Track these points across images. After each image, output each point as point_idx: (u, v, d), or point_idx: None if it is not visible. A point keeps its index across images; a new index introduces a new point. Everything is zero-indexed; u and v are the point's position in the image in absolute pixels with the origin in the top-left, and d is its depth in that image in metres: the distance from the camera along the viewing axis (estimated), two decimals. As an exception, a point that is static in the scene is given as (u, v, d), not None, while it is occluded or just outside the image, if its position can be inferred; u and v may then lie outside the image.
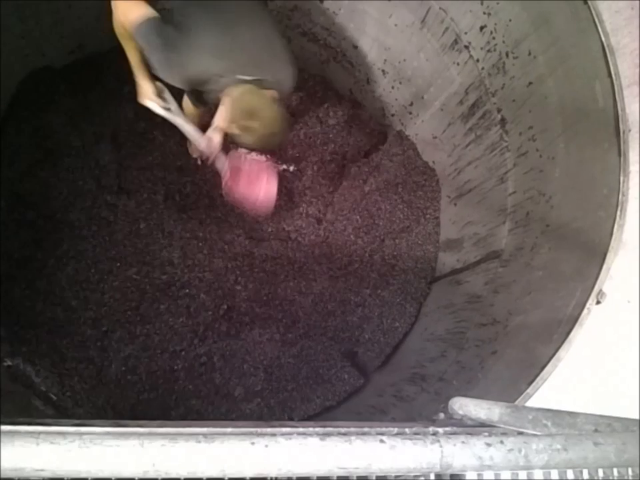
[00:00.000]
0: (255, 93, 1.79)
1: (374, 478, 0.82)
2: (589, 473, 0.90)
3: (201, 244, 2.64)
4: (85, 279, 2.40)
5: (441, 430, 0.99)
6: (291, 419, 2.42)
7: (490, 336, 2.07)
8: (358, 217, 2.90)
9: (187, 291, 2.55)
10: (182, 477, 0.62)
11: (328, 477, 0.67)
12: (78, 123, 2.58)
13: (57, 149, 2.48)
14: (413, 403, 2.24)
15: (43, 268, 2.34)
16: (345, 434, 0.67)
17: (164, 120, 2.13)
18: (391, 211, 2.90)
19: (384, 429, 0.96)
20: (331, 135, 3.04)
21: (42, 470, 0.58)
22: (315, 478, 0.75)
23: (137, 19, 1.74)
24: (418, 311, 2.75)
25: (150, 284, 2.50)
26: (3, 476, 0.57)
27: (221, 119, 1.88)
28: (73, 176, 2.49)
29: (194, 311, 2.52)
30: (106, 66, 2.69)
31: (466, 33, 2.20)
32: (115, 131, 2.69)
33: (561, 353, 1.48)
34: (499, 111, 2.24)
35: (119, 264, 2.48)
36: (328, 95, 3.14)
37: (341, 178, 3.00)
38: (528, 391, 1.45)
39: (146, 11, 1.75)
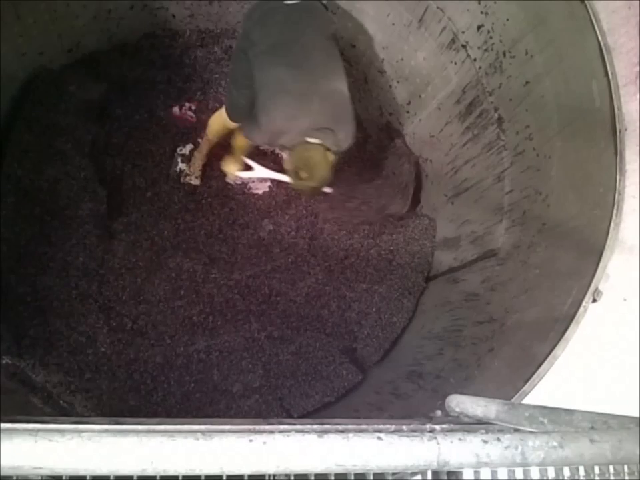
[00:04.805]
0: (317, 152, 1.96)
1: (371, 475, 0.82)
2: (585, 470, 0.91)
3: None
4: (90, 274, 2.42)
5: (438, 427, 0.99)
6: (290, 415, 2.43)
7: (487, 334, 2.07)
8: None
9: (186, 285, 2.56)
10: (180, 474, 0.62)
11: (326, 473, 0.67)
12: (86, 122, 2.60)
13: (66, 147, 2.49)
14: (410, 400, 2.24)
15: (49, 263, 2.35)
16: (342, 431, 0.67)
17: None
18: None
19: (381, 426, 0.96)
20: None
21: (40, 467, 0.58)
22: (312, 475, 0.75)
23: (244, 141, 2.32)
24: (415, 306, 2.75)
25: (150, 282, 2.51)
26: (1, 473, 0.57)
27: (286, 163, 2.11)
28: (85, 173, 2.51)
29: (192, 307, 2.53)
30: (106, 65, 2.70)
31: (463, 32, 2.20)
32: (118, 130, 2.72)
33: (557, 350, 1.49)
34: (495, 110, 2.24)
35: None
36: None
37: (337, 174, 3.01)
38: (524, 388, 1.46)
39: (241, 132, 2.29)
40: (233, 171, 2.59)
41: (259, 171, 2.47)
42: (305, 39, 1.99)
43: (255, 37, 2.00)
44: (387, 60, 2.74)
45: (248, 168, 2.50)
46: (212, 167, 2.81)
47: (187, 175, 2.77)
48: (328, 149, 1.98)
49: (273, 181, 2.83)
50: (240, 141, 2.41)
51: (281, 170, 2.29)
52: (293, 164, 2.00)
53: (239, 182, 2.79)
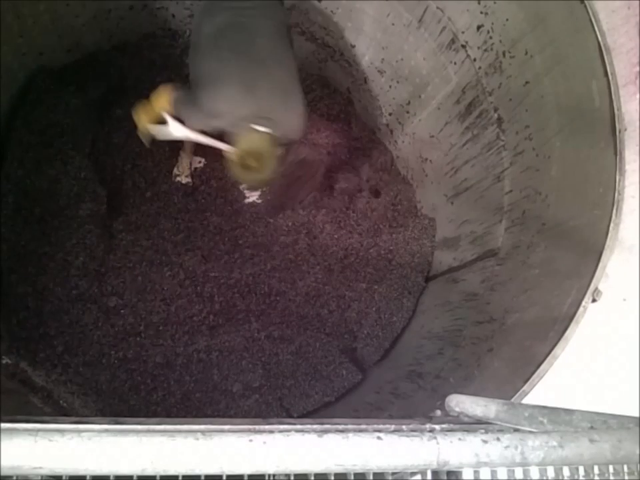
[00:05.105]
0: (263, 141, 1.93)
1: (371, 475, 0.82)
2: (585, 470, 0.91)
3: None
4: (91, 274, 2.42)
5: (437, 427, 0.99)
6: (290, 415, 2.43)
7: (486, 334, 2.07)
8: (352, 212, 2.93)
9: (187, 284, 2.57)
10: (180, 474, 0.62)
11: (325, 473, 0.67)
12: (86, 122, 2.60)
13: (66, 147, 2.49)
14: (410, 400, 2.24)
15: (49, 263, 2.35)
16: (342, 431, 0.67)
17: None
18: (385, 205, 2.93)
19: (381, 426, 0.96)
20: (327, 133, 3.06)
21: (40, 467, 0.58)
22: (312, 475, 0.75)
23: (167, 104, 2.05)
24: (415, 306, 2.76)
25: (151, 282, 2.52)
26: (1, 473, 0.57)
27: (230, 149, 2.04)
28: (85, 173, 2.50)
29: (192, 307, 2.53)
30: (106, 65, 2.70)
31: (463, 33, 2.20)
32: (118, 130, 2.71)
33: (557, 350, 1.49)
34: (495, 110, 2.24)
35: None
36: (325, 93, 3.14)
37: (336, 173, 3.03)
38: (524, 388, 1.46)
39: (170, 95, 2.05)
40: (143, 122, 2.20)
41: (176, 129, 2.12)
42: (253, 26, 1.96)
43: (205, 28, 1.98)
44: (387, 60, 2.74)
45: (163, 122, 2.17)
46: (212, 167, 2.82)
47: (177, 175, 2.76)
48: (275, 139, 1.95)
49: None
50: (162, 101, 2.10)
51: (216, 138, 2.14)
52: (239, 152, 1.95)
53: (149, 138, 2.30)
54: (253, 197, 2.88)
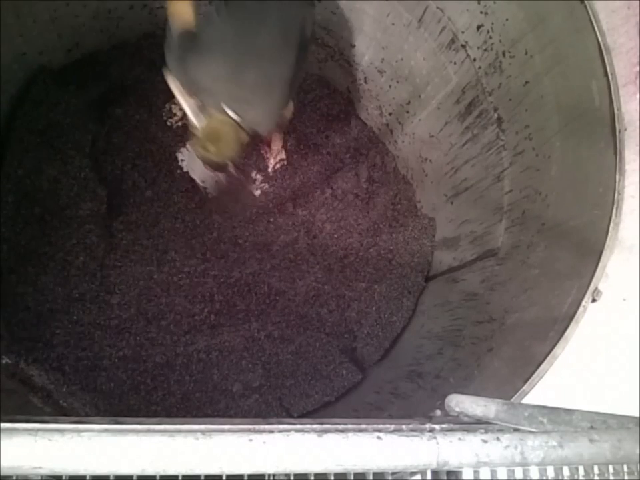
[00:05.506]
0: (230, 128, 1.96)
1: (371, 475, 0.82)
2: (585, 470, 0.91)
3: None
4: (91, 273, 2.42)
5: (437, 427, 0.99)
6: (290, 415, 2.43)
7: (486, 333, 2.07)
8: (352, 210, 2.93)
9: (187, 283, 2.57)
10: (180, 474, 0.62)
11: (325, 473, 0.67)
12: (86, 122, 2.61)
13: (66, 147, 2.50)
14: (409, 400, 2.24)
15: (49, 263, 2.35)
16: (342, 431, 0.67)
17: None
18: (384, 204, 2.93)
19: (381, 426, 0.96)
20: (326, 134, 3.06)
21: (40, 467, 0.58)
22: (312, 475, 0.75)
23: (177, 28, 1.96)
24: (415, 306, 2.76)
25: (151, 281, 2.52)
26: (1, 473, 0.57)
27: (196, 125, 2.09)
28: (85, 173, 2.51)
29: (193, 306, 2.53)
30: (106, 65, 2.70)
31: (463, 32, 2.20)
32: (118, 130, 2.72)
33: (557, 350, 1.49)
34: (495, 110, 2.24)
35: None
36: (325, 93, 3.14)
37: (335, 173, 3.03)
38: (524, 388, 1.46)
39: (185, 21, 1.95)
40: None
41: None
42: (267, 15, 1.97)
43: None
44: (387, 60, 2.74)
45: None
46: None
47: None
48: (240, 128, 1.97)
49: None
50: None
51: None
52: (202, 133, 1.99)
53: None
54: (207, 181, 2.87)
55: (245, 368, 2.46)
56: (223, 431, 0.82)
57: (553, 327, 1.58)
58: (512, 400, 1.44)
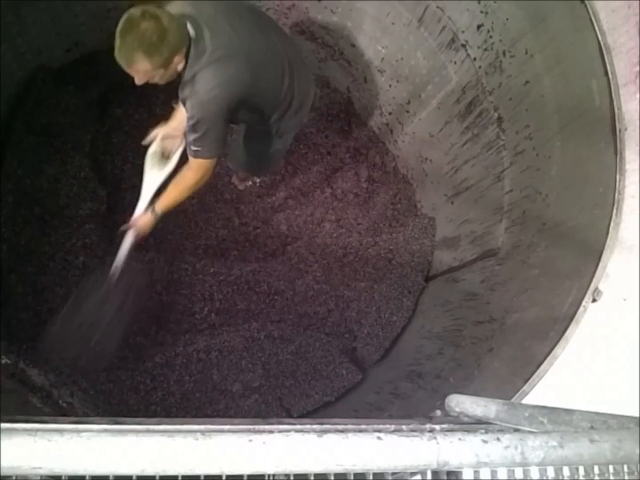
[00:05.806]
0: None
1: (371, 475, 0.82)
2: (585, 470, 0.91)
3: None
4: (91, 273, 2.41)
5: (437, 427, 0.99)
6: (289, 415, 2.43)
7: (486, 333, 2.07)
8: (351, 210, 2.93)
9: (186, 282, 2.57)
10: (180, 474, 0.62)
11: (325, 473, 0.67)
12: (85, 122, 2.61)
13: (66, 147, 2.50)
14: (410, 400, 2.24)
15: (49, 263, 2.34)
16: (342, 431, 0.67)
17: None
18: (384, 204, 2.93)
19: (381, 426, 0.96)
20: (326, 134, 3.06)
21: (39, 467, 0.58)
22: (312, 475, 0.75)
23: None
24: (415, 306, 2.75)
25: (151, 281, 2.52)
26: (1, 473, 0.57)
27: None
28: (85, 173, 2.50)
29: (193, 305, 2.53)
30: (105, 65, 2.70)
31: (463, 32, 2.20)
32: (118, 130, 2.72)
33: (557, 350, 1.49)
34: (495, 109, 2.24)
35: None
36: (325, 93, 3.14)
37: (335, 172, 3.03)
38: (524, 388, 1.46)
39: None
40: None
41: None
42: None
43: None
44: (387, 59, 2.74)
45: None
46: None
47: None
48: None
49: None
50: None
51: None
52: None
53: None
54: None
55: (244, 368, 2.45)
56: (222, 431, 0.82)
57: (553, 327, 1.58)
58: (512, 400, 1.44)
